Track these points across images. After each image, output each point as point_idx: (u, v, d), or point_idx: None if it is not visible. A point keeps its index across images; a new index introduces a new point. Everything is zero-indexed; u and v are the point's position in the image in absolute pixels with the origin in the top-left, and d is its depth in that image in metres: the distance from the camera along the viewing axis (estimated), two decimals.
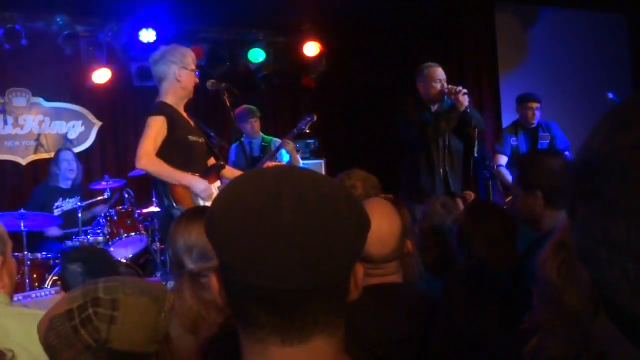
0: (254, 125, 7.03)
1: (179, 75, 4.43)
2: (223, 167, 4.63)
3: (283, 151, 6.63)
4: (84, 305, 1.32)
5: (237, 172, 4.65)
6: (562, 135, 6.62)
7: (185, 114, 4.54)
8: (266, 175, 1.09)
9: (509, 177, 6.10)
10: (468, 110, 5.40)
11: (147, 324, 1.34)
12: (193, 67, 4.50)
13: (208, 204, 4.33)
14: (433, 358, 2.05)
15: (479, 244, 2.86)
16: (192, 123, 4.55)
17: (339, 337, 1.09)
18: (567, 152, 6.42)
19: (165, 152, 4.32)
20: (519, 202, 2.91)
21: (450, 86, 5.57)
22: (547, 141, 6.54)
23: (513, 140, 6.57)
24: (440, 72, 5.67)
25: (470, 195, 5.19)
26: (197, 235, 2.33)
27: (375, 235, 2.08)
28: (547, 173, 2.86)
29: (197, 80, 4.54)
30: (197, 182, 4.30)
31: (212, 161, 4.62)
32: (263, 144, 7.01)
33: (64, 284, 3.28)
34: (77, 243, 6.06)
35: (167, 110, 4.41)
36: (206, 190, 4.29)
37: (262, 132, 7.14)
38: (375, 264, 2.16)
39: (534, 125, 6.55)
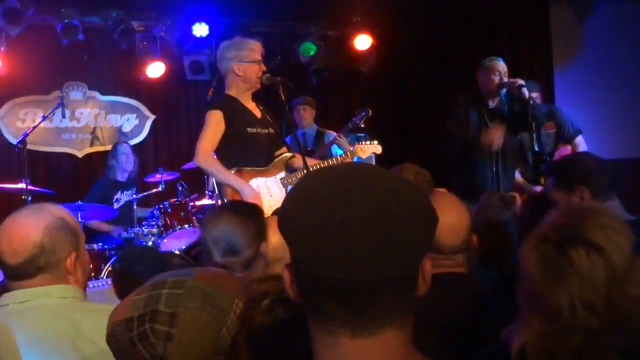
0: (301, 113, 7.04)
1: (238, 70, 4.51)
2: (290, 157, 4.67)
3: (335, 146, 6.64)
4: (143, 317, 1.31)
5: (310, 160, 4.67)
6: (570, 120, 6.16)
7: (250, 105, 4.62)
8: (336, 171, 1.12)
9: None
10: (531, 102, 5.31)
11: (204, 342, 1.33)
12: (254, 57, 4.57)
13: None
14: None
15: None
16: (258, 115, 4.61)
17: (408, 330, 1.11)
18: (579, 137, 6.16)
19: (223, 146, 4.42)
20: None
21: (510, 80, 5.50)
22: (553, 130, 6.08)
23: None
24: (500, 65, 5.59)
25: (515, 197, 5.09)
26: (224, 228, 2.36)
27: (446, 225, 2.14)
28: (588, 169, 2.91)
29: (264, 68, 4.59)
30: (245, 189, 4.34)
31: (282, 151, 4.67)
32: (316, 136, 7.02)
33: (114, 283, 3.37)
34: (132, 235, 6.18)
35: (225, 104, 4.50)
36: (252, 197, 4.32)
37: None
38: (446, 254, 2.18)
39: None
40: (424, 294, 1.14)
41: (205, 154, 4.39)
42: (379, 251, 1.02)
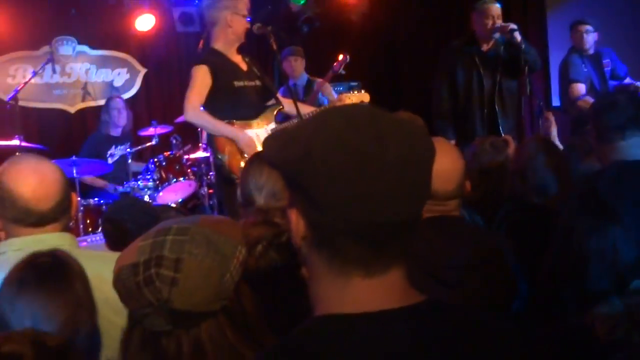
0: (292, 64, 6.98)
1: (230, 21, 4.49)
2: (279, 108, 4.67)
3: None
4: (148, 262, 1.35)
5: (304, 107, 4.66)
6: (619, 61, 6.33)
7: (236, 58, 4.61)
8: (358, 112, 1.13)
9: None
10: (522, 46, 5.30)
11: (208, 287, 1.36)
12: (245, 12, 4.55)
13: None
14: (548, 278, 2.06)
15: (541, 175, 2.86)
16: (244, 67, 4.60)
17: (406, 268, 1.15)
18: (627, 78, 6.23)
19: (211, 100, 4.43)
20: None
21: (502, 24, 5.48)
22: (609, 68, 6.19)
23: (584, 68, 6.12)
24: (493, 9, 5.57)
25: (509, 139, 5.11)
26: (268, 177, 2.40)
27: (440, 172, 2.14)
28: (598, 108, 2.87)
29: (248, 26, 4.58)
30: (238, 136, 4.37)
31: (271, 103, 4.67)
32: (307, 85, 6.99)
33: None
34: (128, 189, 6.20)
35: (210, 59, 4.50)
36: (248, 145, 4.35)
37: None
38: (439, 200, 2.20)
39: (591, 52, 6.19)
40: (421, 237, 1.18)
41: (194, 108, 4.40)
42: (412, 191, 1.08)
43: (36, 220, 2.06)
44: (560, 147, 4.54)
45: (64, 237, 2.10)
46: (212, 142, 4.47)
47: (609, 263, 1.86)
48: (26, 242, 2.04)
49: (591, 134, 2.87)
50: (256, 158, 2.56)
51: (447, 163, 2.21)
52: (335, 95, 6.39)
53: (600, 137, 2.82)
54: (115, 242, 3.31)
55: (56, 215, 2.07)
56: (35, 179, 2.04)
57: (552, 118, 4.84)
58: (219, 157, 4.41)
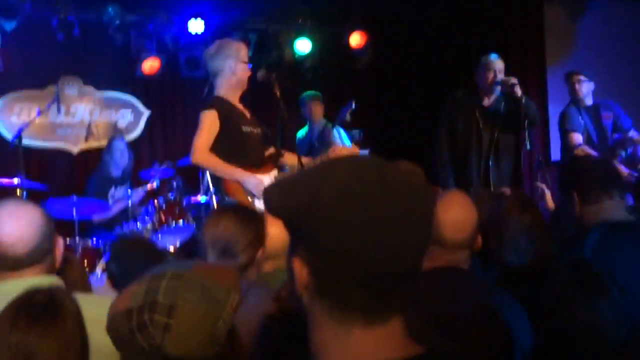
0: (312, 109, 7.09)
1: (235, 69, 4.56)
2: (280, 155, 4.73)
3: (344, 137, 6.72)
4: (142, 308, 1.35)
5: (296, 158, 4.73)
6: (624, 114, 6.34)
7: (240, 106, 4.67)
8: (365, 163, 1.14)
9: (594, 152, 5.94)
10: (523, 101, 5.39)
11: (202, 333, 1.37)
12: (246, 59, 4.65)
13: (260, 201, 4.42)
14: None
15: (514, 233, 2.86)
16: (247, 114, 4.66)
17: (405, 319, 1.15)
18: (632, 130, 6.24)
19: (219, 145, 4.48)
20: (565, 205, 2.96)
21: (503, 77, 5.57)
22: (611, 120, 6.22)
23: (581, 119, 6.18)
24: (497, 63, 5.66)
25: (507, 192, 5.16)
26: (224, 231, 2.39)
27: (452, 220, 2.19)
28: (577, 174, 2.95)
29: (250, 73, 4.66)
30: (248, 179, 4.42)
31: (271, 151, 4.72)
32: (322, 130, 7.05)
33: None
34: (127, 231, 6.18)
35: (218, 104, 4.56)
36: (257, 187, 4.39)
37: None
38: (448, 248, 2.20)
39: (588, 103, 6.25)
40: (425, 286, 1.19)
41: (202, 151, 4.45)
42: (415, 240, 1.08)
43: (13, 264, 2.05)
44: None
45: (44, 280, 2.07)
46: (219, 184, 4.51)
47: (600, 337, 1.86)
48: (14, 288, 1.98)
49: (573, 196, 2.89)
50: (217, 211, 2.55)
51: (459, 213, 2.24)
52: (337, 142, 6.48)
53: (585, 198, 2.84)
54: (118, 281, 3.30)
55: (34, 259, 2.06)
56: (10, 224, 2.04)
57: (542, 185, 4.97)
58: (227, 199, 4.44)
